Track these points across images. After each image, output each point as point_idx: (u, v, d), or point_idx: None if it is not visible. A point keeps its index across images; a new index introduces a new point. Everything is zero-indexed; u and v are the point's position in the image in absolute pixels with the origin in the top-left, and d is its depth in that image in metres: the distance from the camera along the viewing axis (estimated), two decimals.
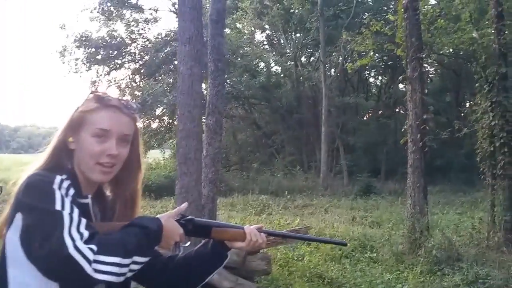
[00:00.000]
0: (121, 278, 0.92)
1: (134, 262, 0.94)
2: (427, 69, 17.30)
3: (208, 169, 5.16)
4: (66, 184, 1.00)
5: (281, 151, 21.50)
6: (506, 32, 5.86)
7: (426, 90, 7.39)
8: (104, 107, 1.06)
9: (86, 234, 0.91)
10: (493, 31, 5.71)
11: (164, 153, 20.54)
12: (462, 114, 9.73)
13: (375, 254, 5.65)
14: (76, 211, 0.95)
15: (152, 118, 19.81)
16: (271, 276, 4.33)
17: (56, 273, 0.90)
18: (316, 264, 5.09)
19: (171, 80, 17.37)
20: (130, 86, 20.23)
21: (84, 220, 0.95)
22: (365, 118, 23.40)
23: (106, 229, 1.03)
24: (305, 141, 21.22)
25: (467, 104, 16.78)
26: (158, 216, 1.08)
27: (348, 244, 1.22)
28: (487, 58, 5.84)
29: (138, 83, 20.20)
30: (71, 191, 0.99)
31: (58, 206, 0.93)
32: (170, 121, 19.02)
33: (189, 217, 1.16)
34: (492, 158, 5.55)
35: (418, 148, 5.78)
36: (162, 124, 19.92)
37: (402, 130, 6.44)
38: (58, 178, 0.99)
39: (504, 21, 5.78)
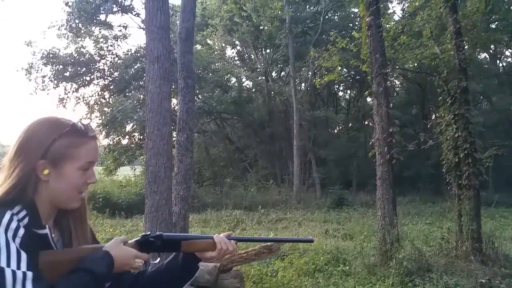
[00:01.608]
0: None
1: None
2: (392, 83, 17.93)
3: (179, 186, 5.09)
4: (14, 223, 0.93)
5: (254, 165, 21.53)
6: (465, 48, 6.16)
7: (392, 104, 7.62)
8: (89, 139, 1.06)
9: None
10: (453, 47, 5.98)
11: (134, 170, 20.10)
12: (428, 126, 10.06)
13: (347, 267, 5.67)
14: (23, 260, 0.89)
15: (122, 135, 19.43)
16: None
17: None
18: (290, 279, 5.05)
19: (141, 96, 17.13)
20: (99, 102, 19.82)
21: (29, 275, 0.89)
22: (335, 131, 23.87)
23: (67, 257, 1.01)
24: (278, 154, 21.35)
25: (433, 116, 17.41)
26: (107, 245, 1.06)
27: (314, 240, 1.24)
28: (449, 72, 6.10)
29: (107, 100, 19.83)
30: (21, 231, 0.94)
31: (2, 262, 0.87)
32: (141, 137, 18.70)
33: (158, 233, 1.16)
34: (457, 169, 5.75)
35: (385, 161, 5.91)
36: (133, 140, 19.54)
37: (370, 143, 6.59)
38: (7, 217, 0.93)
39: (462, 37, 6.07)
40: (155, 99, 3.49)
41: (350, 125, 22.38)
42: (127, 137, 19.57)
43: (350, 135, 20.69)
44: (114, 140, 19.23)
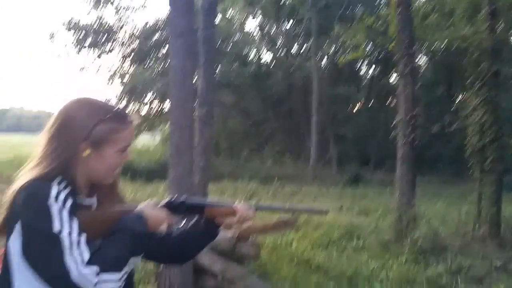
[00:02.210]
0: (121, 285, 1.02)
1: (130, 264, 1.03)
2: (419, 63, 17.42)
3: (199, 157, 5.19)
4: (63, 194, 1.01)
5: (271, 139, 21.57)
6: (500, 30, 5.92)
7: (418, 85, 7.41)
8: (128, 125, 1.13)
9: (86, 255, 0.96)
10: (486, 28, 5.75)
11: (154, 138, 20.48)
12: (453, 108, 9.85)
13: (361, 242, 5.77)
14: (75, 226, 0.98)
15: (142, 104, 19.69)
16: (260, 261, 4.42)
17: None
18: (303, 250, 5.18)
19: (160, 67, 17.22)
20: (119, 72, 19.97)
21: (83, 238, 0.98)
22: (356, 109, 23.56)
23: (102, 217, 1.10)
24: (295, 130, 21.30)
25: (459, 98, 16.95)
26: (140, 208, 1.13)
27: (329, 211, 1.29)
28: (480, 55, 5.90)
29: (127, 70, 19.95)
30: (69, 201, 1.01)
31: (56, 227, 0.96)
32: (160, 106, 18.92)
33: (183, 198, 1.23)
34: (481, 153, 5.66)
35: (408, 142, 5.86)
36: (152, 109, 19.80)
37: (393, 124, 6.51)
38: (54, 190, 1.00)
39: (497, 18, 5.83)
40: (178, 75, 3.52)
41: (371, 103, 22.01)
42: (147, 106, 19.84)
43: (370, 113, 20.35)
44: (134, 109, 19.53)
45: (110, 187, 1.18)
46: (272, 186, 12.68)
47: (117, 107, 1.14)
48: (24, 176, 1.05)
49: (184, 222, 1.29)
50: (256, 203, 8.95)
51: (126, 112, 1.16)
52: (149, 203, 1.18)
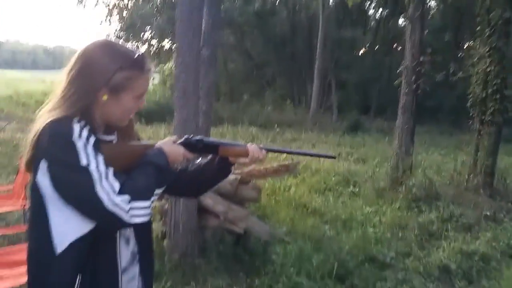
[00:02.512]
0: (151, 213, 1.09)
1: (155, 194, 1.11)
2: (429, 6, 16.73)
3: (202, 101, 5.14)
4: (85, 132, 1.05)
5: (272, 84, 21.32)
6: None
7: (426, 31, 7.18)
8: (146, 73, 1.15)
9: (116, 185, 1.02)
10: None
11: (153, 78, 20.12)
12: (459, 56, 9.60)
13: (357, 189, 5.95)
14: (101, 160, 1.03)
15: (141, 42, 19.16)
16: (259, 204, 4.59)
17: (96, 221, 1.03)
18: (301, 195, 5.36)
19: (159, 1, 16.50)
20: (117, 6, 19.16)
21: (111, 169, 1.04)
22: (360, 54, 22.98)
23: (125, 150, 1.17)
24: (297, 74, 20.97)
25: (466, 45, 16.47)
26: (160, 144, 1.21)
27: (336, 157, 1.35)
28: (492, 0, 5.67)
29: (126, 4, 19.12)
30: (91, 139, 1.05)
31: (83, 161, 1.01)
32: (159, 45, 18.46)
33: (199, 137, 1.31)
34: (483, 104, 5.64)
35: (411, 90, 5.82)
36: (151, 48, 19.31)
37: (398, 71, 6.42)
38: (77, 128, 1.04)
39: None
40: (185, 11, 3.38)
41: (377, 47, 21.42)
42: (145, 44, 19.33)
43: (375, 58, 19.87)
44: (133, 47, 19.02)
45: (126, 127, 1.23)
46: (272, 131, 12.77)
47: (137, 54, 1.14)
48: (45, 116, 1.07)
49: (200, 159, 1.36)
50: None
51: (145, 59, 1.16)
52: (168, 140, 1.25)
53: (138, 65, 1.14)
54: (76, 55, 1.12)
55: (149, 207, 1.06)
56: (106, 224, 1.04)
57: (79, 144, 1.02)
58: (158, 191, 1.13)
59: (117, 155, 1.12)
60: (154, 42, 19.17)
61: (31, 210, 1.11)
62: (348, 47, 20.93)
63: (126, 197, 1.01)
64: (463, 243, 3.94)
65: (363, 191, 5.89)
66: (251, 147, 1.31)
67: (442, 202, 5.01)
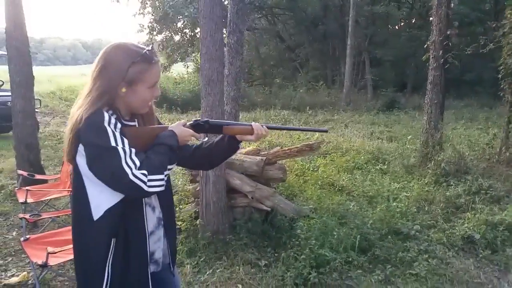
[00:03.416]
0: (165, 185, 1.33)
1: (168, 169, 1.36)
2: None
3: (230, 87, 5.35)
4: (113, 119, 1.31)
5: (304, 65, 21.16)
6: None
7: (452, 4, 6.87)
8: (154, 65, 1.38)
9: (137, 162, 1.27)
10: None
11: (187, 67, 20.62)
12: (493, 25, 9.14)
13: (386, 166, 5.98)
14: (126, 142, 1.29)
15: (174, 31, 19.58)
16: (287, 184, 4.79)
17: (122, 192, 1.29)
18: (329, 174, 5.49)
19: None
20: None
21: (133, 150, 1.29)
22: (395, 29, 22.19)
23: (144, 132, 1.41)
24: (330, 54, 20.68)
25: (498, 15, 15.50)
26: (172, 127, 1.45)
27: (328, 130, 1.50)
28: None
29: None
30: (118, 124, 1.32)
31: (113, 143, 1.26)
32: (192, 34, 18.78)
33: (205, 119, 1.55)
34: None
35: (439, 65, 5.73)
36: (184, 37, 19.71)
37: (425, 45, 6.31)
38: (106, 116, 1.29)
39: None
40: (207, 4, 3.59)
41: (412, 22, 20.62)
42: (178, 33, 19.75)
43: (411, 33, 19.15)
44: (167, 37, 19.52)
45: (146, 113, 1.48)
46: (304, 114, 12.83)
47: (145, 50, 1.37)
48: (77, 111, 1.31)
49: (206, 138, 1.60)
50: (286, 132, 9.17)
51: (153, 53, 1.38)
52: (179, 123, 1.48)
53: (147, 59, 1.35)
54: (97, 58, 1.36)
55: (163, 179, 1.30)
56: (131, 193, 1.28)
57: (109, 129, 1.27)
58: (171, 166, 1.37)
59: (138, 136, 1.38)
60: (187, 31, 19.55)
61: (73, 188, 1.39)
62: (382, 23, 20.33)
63: (145, 171, 1.26)
64: (489, 215, 3.95)
65: (392, 168, 5.92)
66: (255, 125, 1.54)
67: (471, 176, 4.97)
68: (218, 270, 3.16)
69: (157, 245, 1.47)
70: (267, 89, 18.06)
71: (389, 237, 3.61)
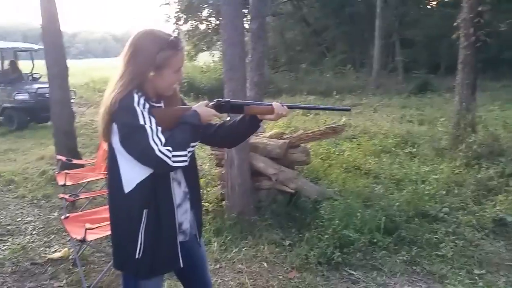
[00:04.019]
0: (189, 160, 1.42)
1: (192, 146, 1.44)
2: None
3: (253, 73, 5.37)
4: (142, 100, 1.42)
5: (331, 49, 20.77)
6: None
7: None
8: (180, 51, 1.48)
9: (163, 139, 1.36)
10: None
11: (213, 56, 20.74)
12: None
13: (415, 150, 5.85)
14: (153, 121, 1.38)
15: (200, 21, 19.71)
16: (312, 167, 4.80)
17: (150, 166, 1.40)
18: (355, 158, 5.43)
19: None
20: None
21: (159, 128, 1.38)
22: (428, 7, 21.30)
23: (170, 113, 1.50)
24: (358, 37, 20.18)
25: None
26: (195, 107, 1.52)
27: (351, 109, 1.45)
28: None
29: None
30: (146, 105, 1.42)
31: (141, 121, 1.36)
32: (217, 22, 18.84)
33: (227, 99, 1.61)
34: None
35: (470, 43, 5.50)
36: (209, 26, 19.80)
37: (455, 24, 6.06)
38: (136, 98, 1.40)
39: None
40: None
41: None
42: (204, 22, 19.86)
43: (444, 12, 18.35)
44: (193, 26, 19.67)
45: (171, 95, 1.56)
46: (331, 99, 12.66)
47: (172, 37, 1.46)
48: (110, 95, 1.42)
49: (228, 118, 1.67)
50: (312, 117, 9.09)
51: (179, 39, 1.47)
52: (201, 103, 1.55)
53: (173, 45, 1.44)
54: (127, 45, 1.47)
55: (186, 155, 1.40)
56: (157, 167, 1.39)
57: (138, 110, 1.38)
58: (194, 143, 1.45)
59: (164, 116, 1.47)
60: (212, 19, 19.63)
61: (108, 164, 1.51)
62: (413, 2, 19.56)
63: (169, 148, 1.35)
64: None
65: (421, 151, 5.79)
66: (275, 104, 1.59)
67: (505, 158, 4.79)
68: (244, 249, 3.24)
69: (184, 216, 1.59)
70: (292, 74, 17.92)
71: (416, 219, 3.57)
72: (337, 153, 5.55)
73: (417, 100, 12.10)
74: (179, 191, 1.56)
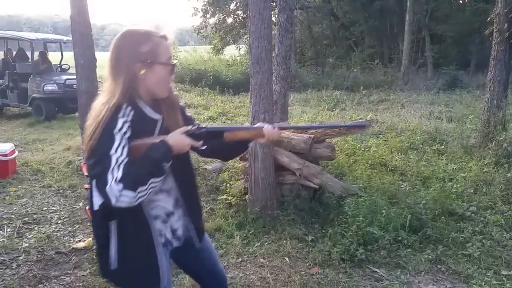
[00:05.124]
0: (137, 202, 1.29)
1: (152, 183, 1.31)
2: None
3: (279, 66, 5.38)
4: (126, 127, 1.32)
5: (359, 44, 20.43)
6: None
7: None
8: (162, 39, 1.41)
9: (120, 174, 1.25)
10: None
11: (240, 49, 20.78)
12: None
13: (443, 147, 5.71)
14: (124, 152, 1.29)
15: (227, 14, 19.77)
16: (336, 163, 4.77)
17: (101, 196, 1.29)
18: (381, 154, 5.36)
19: None
20: None
21: (125, 160, 1.28)
22: (459, 3, 20.63)
23: (145, 144, 1.35)
24: (387, 31, 19.74)
25: None
26: (169, 136, 1.39)
27: (372, 125, 1.33)
28: None
29: None
30: (128, 132, 1.33)
31: (113, 151, 1.28)
32: (244, 16, 18.85)
33: (204, 126, 1.47)
34: None
35: (503, 39, 5.29)
36: (237, 19, 19.83)
37: (488, 19, 5.84)
38: (120, 123, 1.31)
39: None
40: None
41: None
42: (231, 15, 19.90)
43: (476, 7, 17.72)
44: (220, 19, 19.76)
45: (170, 103, 1.47)
46: (358, 94, 12.49)
47: (149, 28, 1.41)
48: (99, 108, 1.34)
49: (205, 147, 1.52)
50: (337, 113, 8.97)
51: (157, 28, 1.42)
52: (178, 130, 1.42)
53: (154, 35, 1.40)
54: (109, 52, 1.41)
55: (135, 197, 1.26)
56: (105, 200, 1.26)
57: (117, 137, 1.30)
58: (155, 179, 1.31)
59: (141, 148, 1.35)
60: (239, 13, 19.66)
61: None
62: None
63: (121, 185, 1.24)
64: None
65: (450, 149, 5.65)
66: (266, 128, 1.49)
67: None
68: (266, 243, 3.27)
69: (178, 223, 1.58)
70: (319, 69, 17.73)
71: (442, 217, 3.50)
72: (362, 149, 5.49)
73: (446, 97, 11.78)
74: (168, 199, 1.52)
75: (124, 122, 1.33)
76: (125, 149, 1.30)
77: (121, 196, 1.24)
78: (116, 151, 1.28)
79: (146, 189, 1.29)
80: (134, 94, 1.39)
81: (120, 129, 1.31)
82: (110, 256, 1.43)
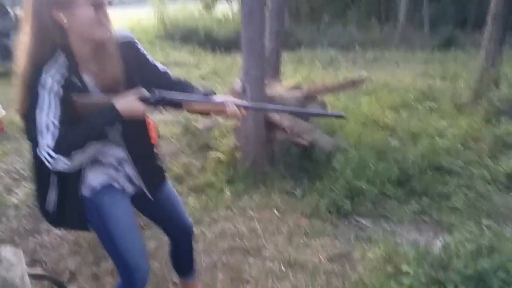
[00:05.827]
0: (74, 168, 1.26)
1: (85, 147, 1.24)
2: None
3: (272, 21, 5.24)
4: (50, 81, 1.20)
5: (356, 1, 19.84)
6: None
7: None
8: None
9: (49, 138, 1.19)
10: None
11: (231, 2, 20.11)
12: None
13: (435, 105, 5.72)
14: (57, 110, 1.20)
15: None
16: (327, 121, 4.77)
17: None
18: (373, 112, 5.36)
19: None
20: None
21: (57, 122, 1.20)
22: None
23: (92, 101, 1.28)
24: None
25: None
26: (117, 99, 1.28)
27: (345, 115, 1.28)
28: None
29: None
30: (55, 87, 1.22)
31: (38, 109, 1.19)
32: None
33: (162, 95, 1.36)
34: None
35: None
36: None
37: None
38: (44, 76, 1.20)
39: None
40: None
41: None
42: None
43: None
44: None
45: (106, 51, 1.30)
46: (353, 52, 12.28)
47: None
48: (23, 63, 1.21)
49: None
50: (331, 71, 8.80)
51: None
52: (129, 95, 1.31)
53: None
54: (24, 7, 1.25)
55: (68, 162, 1.22)
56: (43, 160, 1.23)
57: (42, 93, 1.20)
58: (94, 142, 1.26)
59: (87, 104, 1.27)
60: None
61: None
62: None
63: (53, 150, 1.20)
64: None
65: (441, 106, 5.66)
66: (229, 105, 1.38)
67: None
68: (256, 197, 3.34)
69: (132, 171, 1.51)
70: (314, 26, 17.31)
71: (429, 172, 3.57)
72: (354, 106, 5.48)
73: (441, 55, 11.64)
74: (118, 149, 1.44)
75: (50, 76, 1.21)
76: (58, 108, 1.21)
77: (55, 159, 1.20)
78: (42, 109, 1.19)
79: (83, 152, 1.24)
80: (63, 45, 1.24)
81: (45, 84, 1.20)
82: (47, 199, 1.42)
